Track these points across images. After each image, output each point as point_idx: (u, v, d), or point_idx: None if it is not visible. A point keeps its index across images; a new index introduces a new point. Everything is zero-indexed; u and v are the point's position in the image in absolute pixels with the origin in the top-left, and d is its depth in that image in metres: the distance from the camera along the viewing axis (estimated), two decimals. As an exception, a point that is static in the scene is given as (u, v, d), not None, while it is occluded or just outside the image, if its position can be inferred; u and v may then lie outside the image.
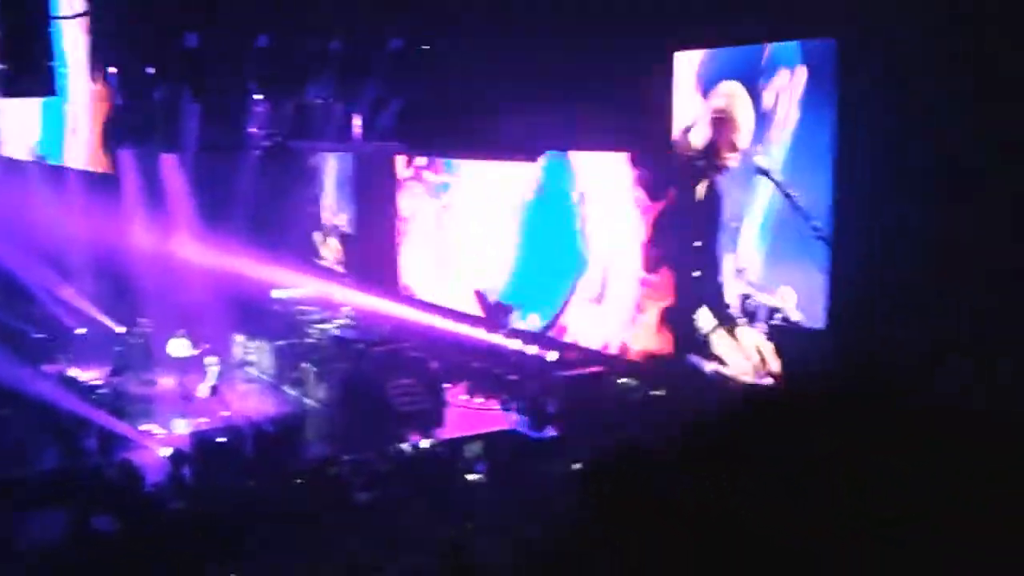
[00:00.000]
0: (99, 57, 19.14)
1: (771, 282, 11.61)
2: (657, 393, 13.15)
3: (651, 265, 13.69)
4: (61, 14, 20.31)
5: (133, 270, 18.79)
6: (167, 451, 14.14)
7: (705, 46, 12.33)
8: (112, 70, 18.94)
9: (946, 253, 9.28)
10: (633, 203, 13.92)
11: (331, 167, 20.47)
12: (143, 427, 15.15)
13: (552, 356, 14.97)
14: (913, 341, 9.20)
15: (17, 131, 21.98)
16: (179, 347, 17.17)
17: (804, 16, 10.54)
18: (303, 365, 16.62)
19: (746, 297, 12.00)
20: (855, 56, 10.26)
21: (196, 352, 17.08)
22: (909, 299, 9.59)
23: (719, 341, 12.41)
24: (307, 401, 16.09)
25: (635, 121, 13.06)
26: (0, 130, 21.87)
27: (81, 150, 19.92)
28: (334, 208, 20.43)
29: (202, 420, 15.70)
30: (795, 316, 11.28)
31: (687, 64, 12.54)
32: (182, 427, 15.28)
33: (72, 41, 20.13)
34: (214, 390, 16.28)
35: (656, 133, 12.91)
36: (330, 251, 20.64)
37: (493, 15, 14.37)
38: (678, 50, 12.57)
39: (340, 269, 20.17)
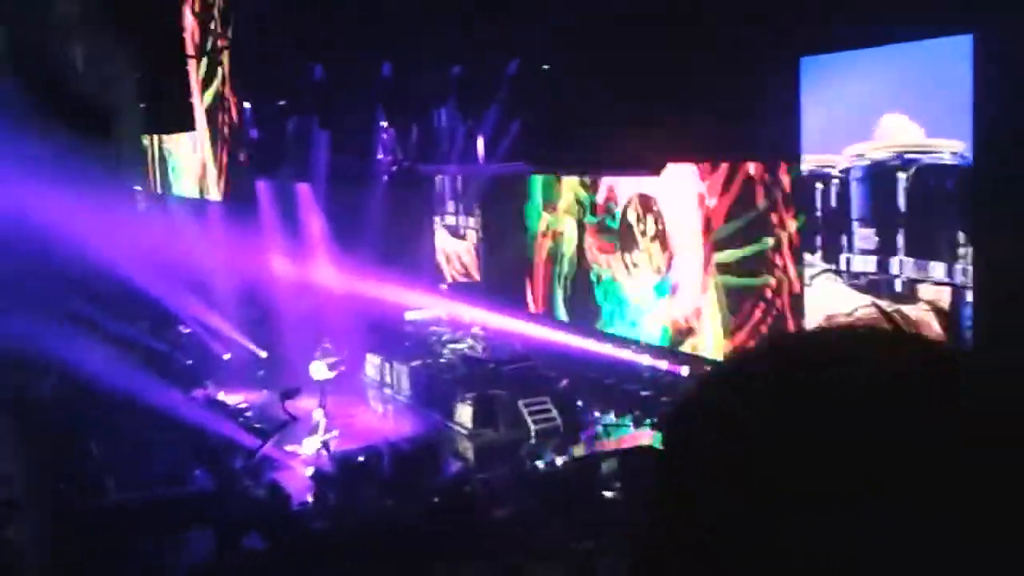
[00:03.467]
0: (233, 92, 20.03)
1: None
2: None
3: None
4: (195, 52, 21.35)
5: (273, 296, 19.52)
6: (310, 471, 14.64)
7: (833, 49, 12.01)
8: (246, 104, 19.80)
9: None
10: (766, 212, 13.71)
11: (457, 189, 20.78)
12: (288, 448, 15.68)
13: (685, 370, 14.82)
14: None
15: (161, 167, 23.17)
16: (320, 369, 17.68)
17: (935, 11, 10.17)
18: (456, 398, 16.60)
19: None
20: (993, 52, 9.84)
21: (334, 374, 17.52)
22: None
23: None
24: (442, 421, 16.33)
25: (758, 129, 12.86)
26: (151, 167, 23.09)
27: (216, 182, 20.86)
28: (462, 229, 20.70)
29: (332, 436, 16.14)
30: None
31: (814, 69, 12.24)
32: (311, 447, 15.68)
33: (206, 78, 21.12)
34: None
35: (783, 141, 12.64)
36: (457, 271, 20.92)
37: (608, 29, 14.38)
38: (804, 54, 12.28)
39: (464, 283, 20.40)
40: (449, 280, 20.95)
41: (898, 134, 11.00)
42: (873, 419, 0.73)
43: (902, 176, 11.08)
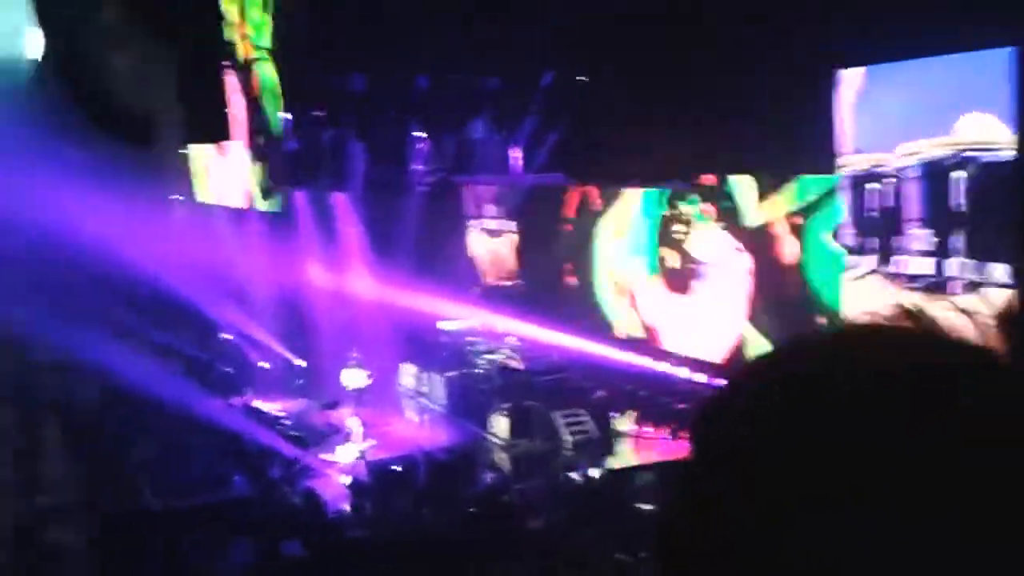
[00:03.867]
0: (272, 102, 20.26)
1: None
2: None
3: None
4: (234, 62, 21.61)
5: (310, 305, 19.70)
6: (346, 480, 14.75)
7: (869, 61, 11.97)
8: (286, 115, 20.02)
9: None
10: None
11: (496, 195, 20.80)
12: (324, 456, 15.81)
13: (721, 383, 14.75)
14: None
15: (201, 176, 23.46)
16: (354, 377, 17.81)
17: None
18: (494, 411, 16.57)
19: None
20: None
21: (368, 383, 17.66)
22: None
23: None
24: (477, 430, 16.38)
25: (794, 141, 12.84)
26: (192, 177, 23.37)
27: (256, 192, 21.09)
28: (501, 232, 20.65)
29: (368, 445, 16.28)
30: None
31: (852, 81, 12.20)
32: (349, 455, 15.81)
33: (246, 87, 21.37)
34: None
35: (819, 154, 12.60)
36: (493, 273, 20.83)
37: (645, 40, 14.43)
38: (840, 67, 12.25)
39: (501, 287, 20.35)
40: (485, 283, 20.87)
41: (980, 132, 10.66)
42: (859, 424, 0.76)
43: (958, 175, 10.88)
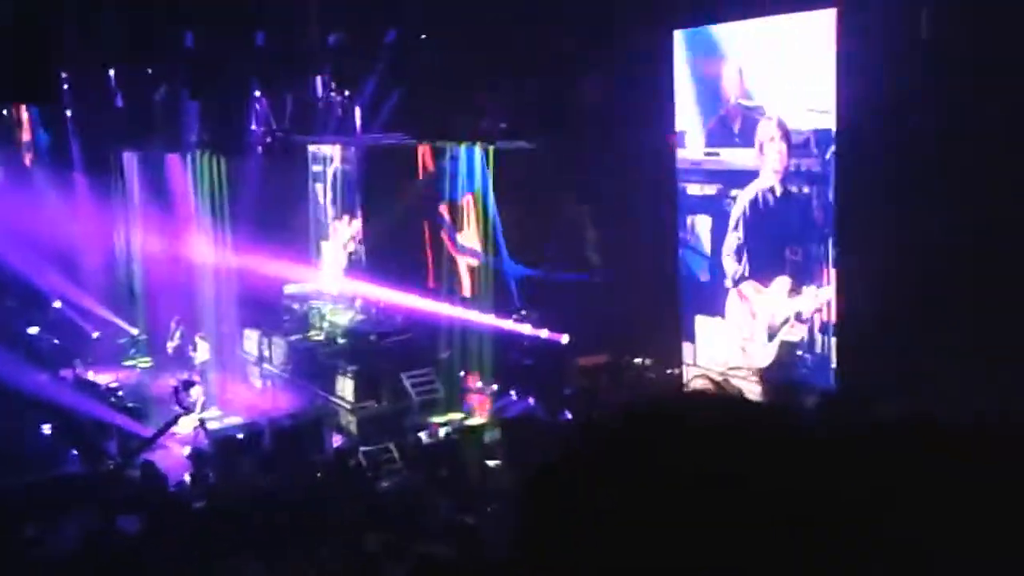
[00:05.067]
0: (99, 58, 19.17)
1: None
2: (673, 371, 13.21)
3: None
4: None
5: (144, 272, 18.94)
6: (186, 450, 14.33)
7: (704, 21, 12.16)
8: (111, 71, 19.01)
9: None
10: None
11: (334, 161, 20.44)
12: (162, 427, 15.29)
13: (565, 339, 15.03)
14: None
15: (19, 136, 22.07)
16: (201, 350, 17.36)
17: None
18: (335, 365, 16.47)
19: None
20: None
21: (208, 357, 17.24)
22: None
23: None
24: (323, 395, 16.18)
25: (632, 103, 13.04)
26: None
27: (77, 152, 19.97)
28: (340, 204, 20.39)
29: (209, 414, 15.87)
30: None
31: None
32: (188, 425, 15.34)
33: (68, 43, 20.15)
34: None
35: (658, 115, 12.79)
36: (334, 252, 20.55)
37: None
38: (676, 27, 12.42)
39: (343, 264, 20.13)
40: (324, 260, 20.58)
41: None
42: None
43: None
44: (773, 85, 11.01)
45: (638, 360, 14.04)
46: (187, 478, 13.16)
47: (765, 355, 11.30)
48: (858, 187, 10.11)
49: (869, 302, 9.77)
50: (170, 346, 18.20)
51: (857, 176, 10.11)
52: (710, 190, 11.99)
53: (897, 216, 9.54)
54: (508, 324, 15.88)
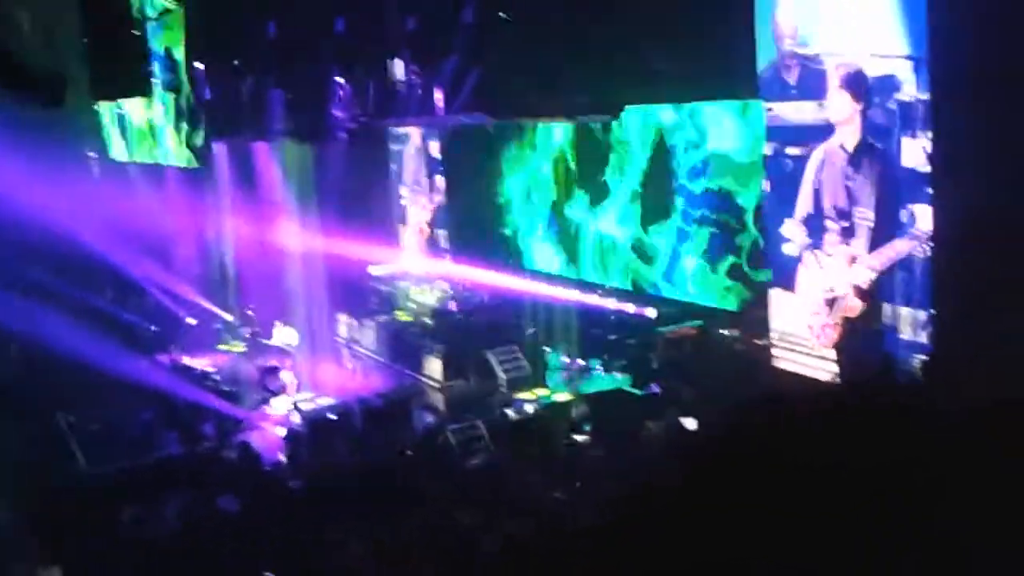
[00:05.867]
0: (187, 53, 19.65)
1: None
2: (761, 343, 12.91)
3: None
4: (146, 15, 20.91)
5: (236, 259, 19.37)
6: (281, 431, 14.65)
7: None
8: (199, 65, 19.46)
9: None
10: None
11: (414, 140, 20.54)
12: (258, 410, 15.67)
13: (651, 312, 14.87)
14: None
15: (115, 133, 22.78)
16: (286, 335, 17.69)
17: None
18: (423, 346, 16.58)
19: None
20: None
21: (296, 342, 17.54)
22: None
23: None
24: (412, 374, 16.34)
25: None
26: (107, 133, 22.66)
27: (172, 146, 20.54)
28: (423, 185, 20.49)
29: (302, 397, 16.17)
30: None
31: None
32: (283, 407, 15.69)
33: (159, 40, 20.71)
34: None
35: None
36: (414, 232, 20.65)
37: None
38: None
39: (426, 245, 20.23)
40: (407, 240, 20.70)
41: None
42: None
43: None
44: (834, 27, 9.70)
45: (724, 331, 13.78)
46: (282, 458, 13.44)
47: (831, 328, 10.56)
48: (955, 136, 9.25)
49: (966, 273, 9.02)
50: (247, 332, 18.62)
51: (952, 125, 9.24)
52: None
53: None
54: (593, 299, 15.78)
